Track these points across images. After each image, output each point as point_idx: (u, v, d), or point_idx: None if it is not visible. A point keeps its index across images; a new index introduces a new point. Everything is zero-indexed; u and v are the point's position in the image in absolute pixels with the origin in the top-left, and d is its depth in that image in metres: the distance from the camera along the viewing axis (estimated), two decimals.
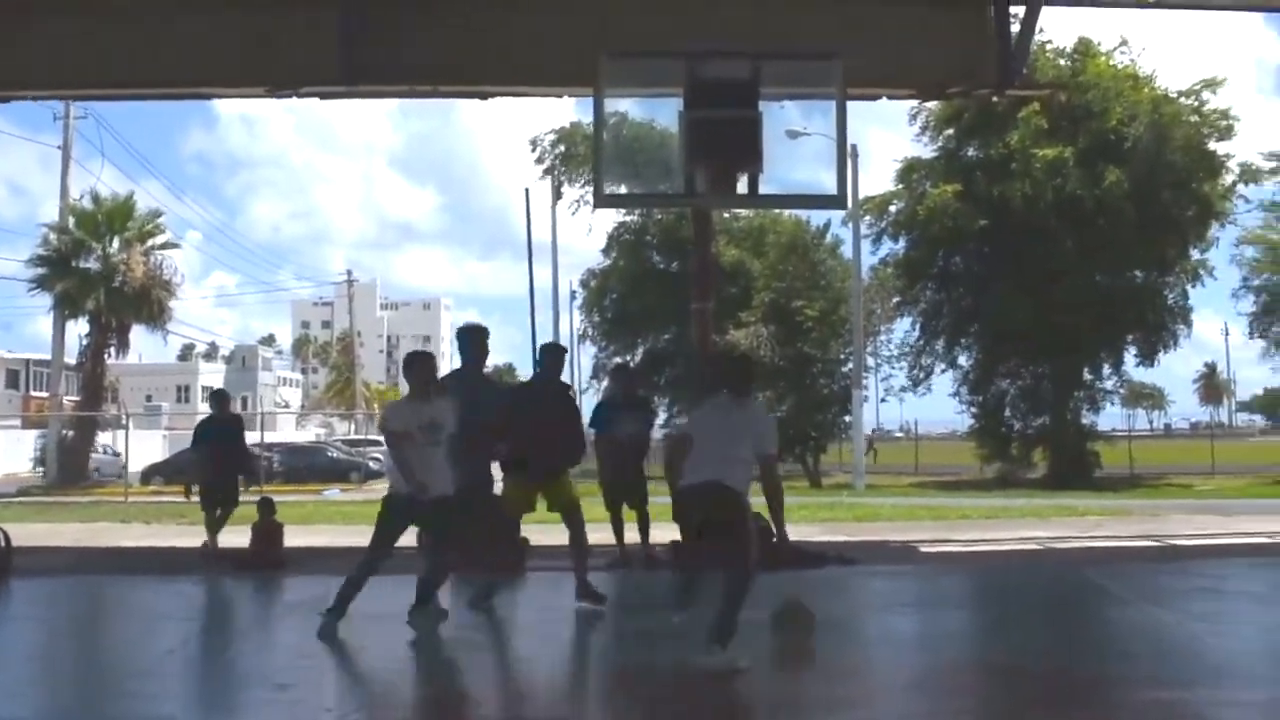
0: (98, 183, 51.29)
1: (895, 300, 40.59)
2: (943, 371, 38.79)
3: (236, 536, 13.59)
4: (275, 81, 12.55)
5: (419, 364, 8.82)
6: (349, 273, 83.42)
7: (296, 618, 9.94)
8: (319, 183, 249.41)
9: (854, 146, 32.13)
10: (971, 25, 12.54)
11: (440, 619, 8.65)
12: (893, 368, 41.81)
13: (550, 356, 10.39)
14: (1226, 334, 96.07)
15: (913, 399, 43.16)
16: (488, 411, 9.46)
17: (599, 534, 11.15)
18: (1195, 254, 36.23)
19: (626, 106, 18.44)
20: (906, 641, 7.57)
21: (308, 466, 38.41)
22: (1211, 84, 35.52)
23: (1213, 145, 35.20)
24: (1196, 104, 35.44)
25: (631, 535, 12.64)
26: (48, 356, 43.32)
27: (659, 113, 12.41)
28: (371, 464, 41.28)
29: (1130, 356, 37.90)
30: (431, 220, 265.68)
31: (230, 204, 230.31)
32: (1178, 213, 34.51)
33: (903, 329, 40.45)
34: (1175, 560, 13.77)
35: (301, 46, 11.97)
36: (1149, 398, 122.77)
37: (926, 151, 37.98)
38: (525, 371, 46.67)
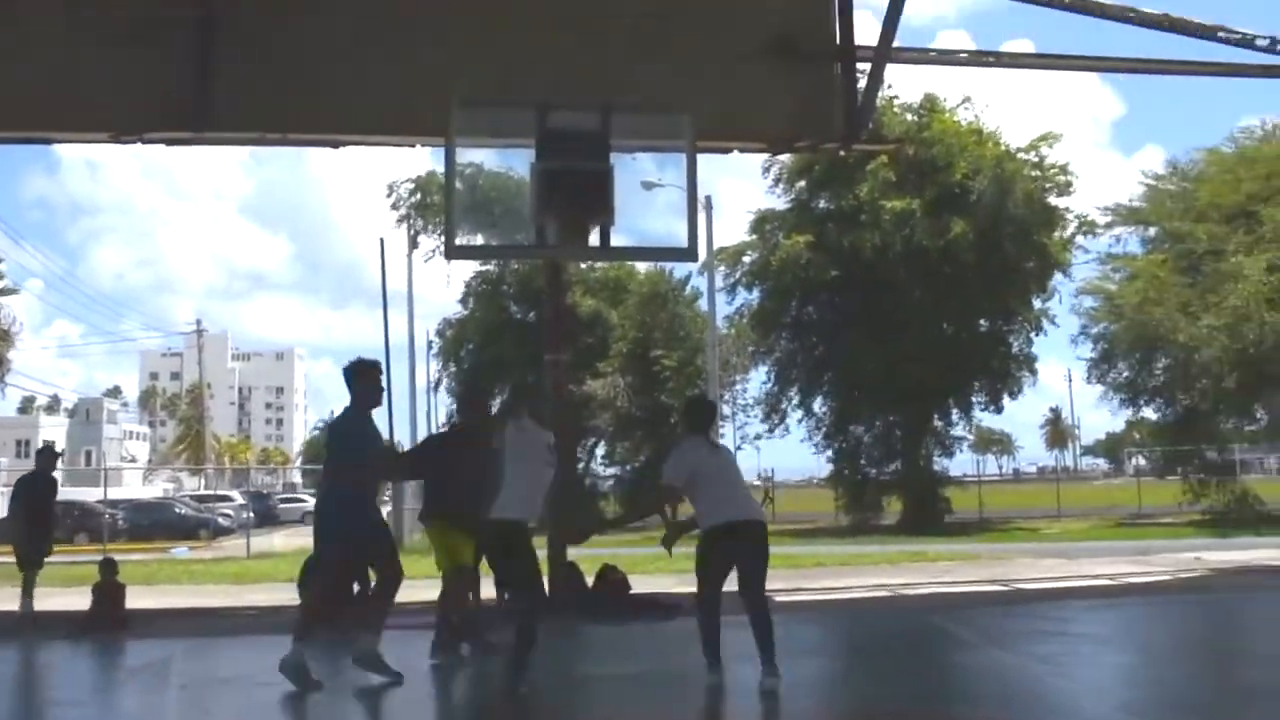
0: None
1: (750, 349, 41.08)
2: (800, 422, 39.36)
3: (77, 598, 13.08)
4: (120, 127, 12.23)
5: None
6: (198, 322, 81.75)
7: (137, 683, 9.57)
8: (166, 229, 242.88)
9: (708, 198, 32.47)
10: (818, 81, 12.83)
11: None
12: (748, 415, 42.30)
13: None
14: (1070, 380, 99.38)
15: (769, 447, 43.77)
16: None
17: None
18: (1037, 303, 37.52)
19: (484, 156, 18.46)
20: (752, 692, 7.58)
21: (154, 523, 37.28)
22: (1049, 139, 37.16)
23: (1052, 199, 36.68)
24: (1037, 159, 36.87)
25: None
26: None
27: (515, 162, 12.37)
28: (221, 520, 40.25)
29: (978, 403, 39.00)
30: (283, 269, 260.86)
31: (73, 251, 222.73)
32: (1020, 263, 35.77)
33: (759, 379, 40.98)
34: (1021, 604, 14.09)
35: (147, 91, 11.70)
36: (998, 443, 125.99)
37: (779, 203, 38.71)
38: (379, 420, 45.93)
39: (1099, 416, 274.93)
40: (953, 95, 37.40)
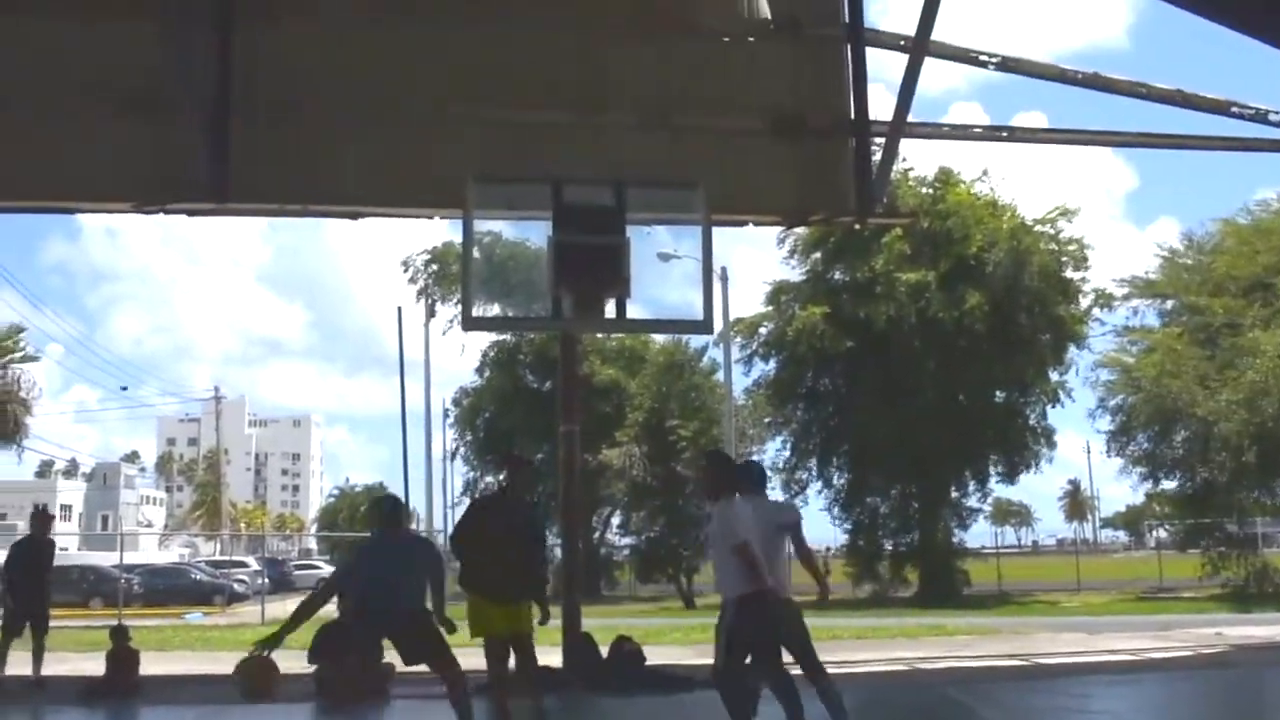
0: None
1: (767, 420, 41.04)
2: (819, 493, 39.18)
3: (90, 663, 13.06)
4: (142, 198, 12.37)
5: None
6: (216, 389, 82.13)
7: None
8: (184, 296, 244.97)
9: (723, 269, 32.70)
10: (832, 156, 12.94)
11: None
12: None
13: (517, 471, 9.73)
14: (1089, 452, 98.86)
15: None
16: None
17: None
18: (1054, 375, 37.43)
19: (500, 226, 18.58)
20: None
21: (170, 589, 37.16)
22: (1066, 213, 37.22)
23: (1068, 272, 36.68)
24: (1053, 231, 36.96)
25: None
26: None
27: (532, 232, 12.47)
28: (237, 586, 40.14)
29: (995, 474, 38.81)
30: (299, 336, 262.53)
31: (91, 316, 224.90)
32: (1036, 335, 35.79)
33: (774, 449, 40.89)
34: (1042, 679, 13.95)
35: (169, 163, 11.84)
36: (1016, 515, 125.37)
37: (795, 274, 38.81)
38: (394, 487, 46.08)
39: (1118, 488, 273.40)
40: (966, 167, 37.71)
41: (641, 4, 13.01)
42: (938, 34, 12.05)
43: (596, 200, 10.53)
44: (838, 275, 37.49)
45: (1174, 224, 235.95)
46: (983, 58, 13.36)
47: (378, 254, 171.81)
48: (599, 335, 39.12)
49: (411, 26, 12.41)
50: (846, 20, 13.12)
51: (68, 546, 55.18)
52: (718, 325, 20.15)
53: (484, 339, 43.71)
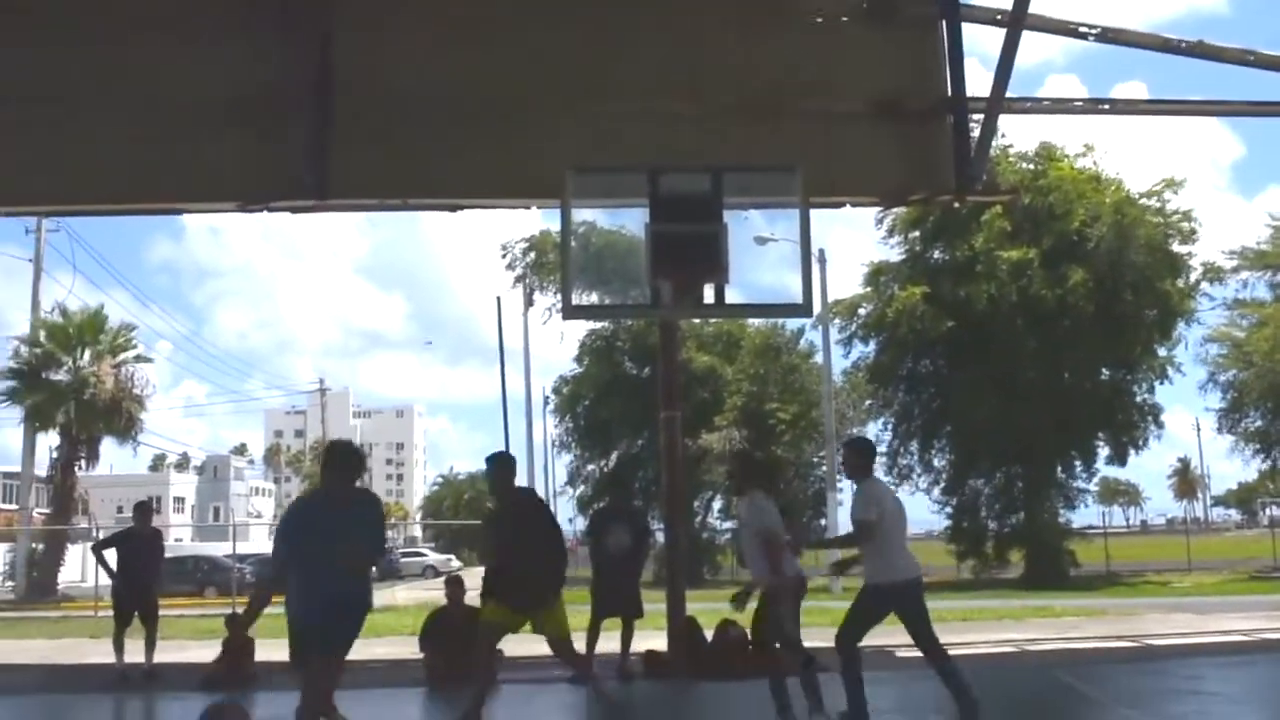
0: (69, 294, 51.32)
1: (868, 403, 40.76)
2: (919, 476, 38.87)
3: (206, 651, 13.39)
4: (246, 197, 12.65)
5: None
6: (321, 381, 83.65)
7: None
8: (285, 290, 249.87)
9: (821, 251, 32.55)
10: (929, 135, 12.80)
11: None
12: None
13: (500, 469, 9.87)
14: (1198, 429, 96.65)
15: None
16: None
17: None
18: (1161, 352, 36.66)
19: (596, 215, 18.67)
20: None
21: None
22: (1172, 184, 36.28)
23: (1175, 246, 35.84)
24: (1159, 204, 36.12)
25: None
26: (17, 469, 42.84)
27: (628, 220, 12.50)
28: None
29: (1102, 455, 38.15)
30: (399, 327, 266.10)
31: (197, 313, 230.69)
32: (1142, 312, 35.03)
33: (874, 431, 40.61)
34: (1151, 661, 13.76)
35: (272, 163, 12.10)
36: (1124, 494, 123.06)
37: (893, 254, 38.53)
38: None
39: (1230, 466, 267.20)
40: (1066, 141, 36.97)
41: None
42: (1035, 6, 11.86)
43: (693, 187, 10.54)
44: (937, 255, 37.15)
45: None
46: (1082, 29, 13.10)
47: (474, 243, 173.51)
48: (696, 321, 39.16)
49: (507, 26, 12.52)
50: None
51: (182, 538, 56.76)
52: (816, 308, 20.03)
53: (582, 328, 44.05)
